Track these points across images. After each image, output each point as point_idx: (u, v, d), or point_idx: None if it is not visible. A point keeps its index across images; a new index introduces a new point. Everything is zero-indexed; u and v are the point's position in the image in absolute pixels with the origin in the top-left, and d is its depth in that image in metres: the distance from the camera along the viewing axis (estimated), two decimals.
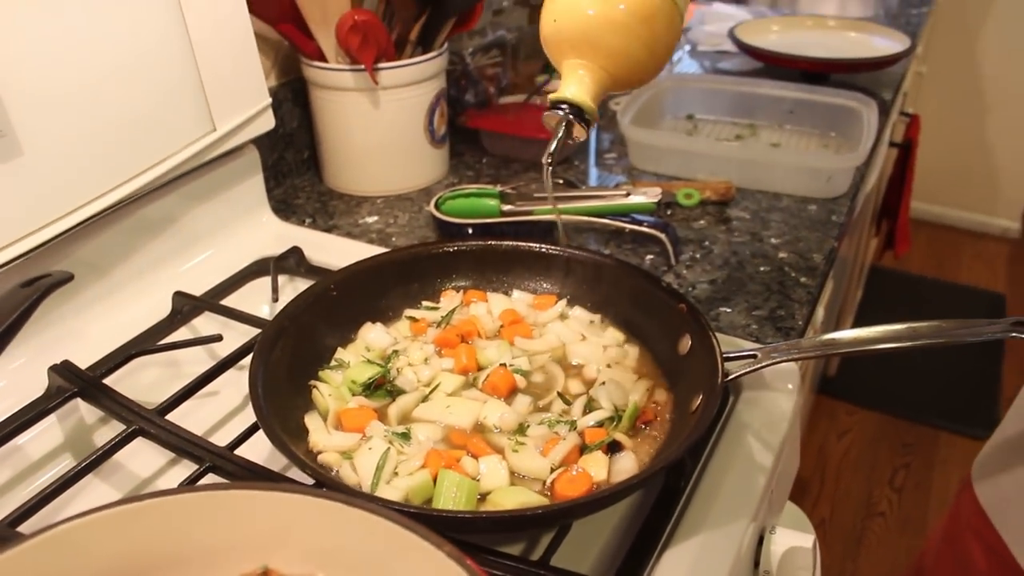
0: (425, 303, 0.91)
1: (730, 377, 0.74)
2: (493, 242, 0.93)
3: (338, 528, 0.50)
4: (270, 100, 1.04)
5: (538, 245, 0.92)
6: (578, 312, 0.90)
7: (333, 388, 0.79)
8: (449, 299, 0.91)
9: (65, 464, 0.80)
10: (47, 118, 0.82)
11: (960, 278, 3.24)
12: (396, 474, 0.70)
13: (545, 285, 0.92)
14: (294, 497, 0.51)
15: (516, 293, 0.92)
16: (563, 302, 0.90)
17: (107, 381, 0.83)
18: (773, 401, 0.83)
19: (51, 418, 0.81)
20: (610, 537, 0.70)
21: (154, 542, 0.51)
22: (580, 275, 0.90)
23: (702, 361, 0.75)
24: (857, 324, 2.58)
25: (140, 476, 0.79)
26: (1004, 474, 0.97)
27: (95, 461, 0.73)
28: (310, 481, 0.66)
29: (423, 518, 0.61)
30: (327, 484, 0.63)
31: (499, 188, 1.14)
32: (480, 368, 0.82)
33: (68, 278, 0.75)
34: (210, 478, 0.70)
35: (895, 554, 2.12)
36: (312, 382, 0.79)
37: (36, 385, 0.83)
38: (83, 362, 0.86)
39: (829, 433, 2.48)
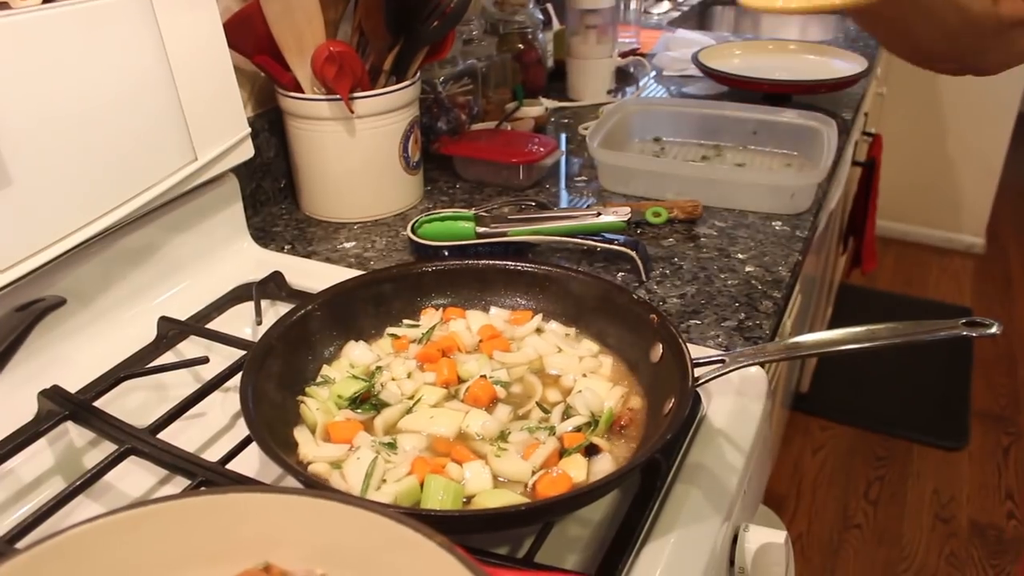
0: (406, 321, 0.94)
1: (700, 382, 0.77)
2: (471, 261, 0.97)
3: (334, 526, 0.52)
4: (248, 130, 1.07)
5: (513, 263, 0.95)
6: (554, 326, 0.93)
7: (320, 403, 0.81)
8: (429, 317, 0.94)
9: (56, 487, 0.82)
10: (35, 149, 0.84)
11: (927, 293, 3.32)
12: (384, 481, 0.72)
13: (521, 301, 0.96)
14: (291, 498, 0.53)
15: (494, 310, 0.96)
16: (539, 317, 0.93)
17: (96, 404, 0.85)
18: (743, 406, 0.87)
19: (41, 442, 0.83)
20: (591, 536, 0.72)
21: (156, 547, 0.53)
22: (554, 290, 0.94)
23: (673, 367, 0.79)
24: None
25: (131, 495, 0.81)
26: None
27: (87, 481, 0.75)
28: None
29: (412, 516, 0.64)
30: (318, 488, 0.66)
31: (474, 211, 1.17)
32: (461, 381, 0.85)
33: (61, 302, 0.77)
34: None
35: (872, 565, 2.16)
36: (300, 397, 0.81)
37: (25, 410, 0.85)
38: (71, 387, 0.87)
39: (804, 449, 2.52)
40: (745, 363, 0.79)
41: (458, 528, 0.66)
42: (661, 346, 0.82)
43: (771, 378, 1.10)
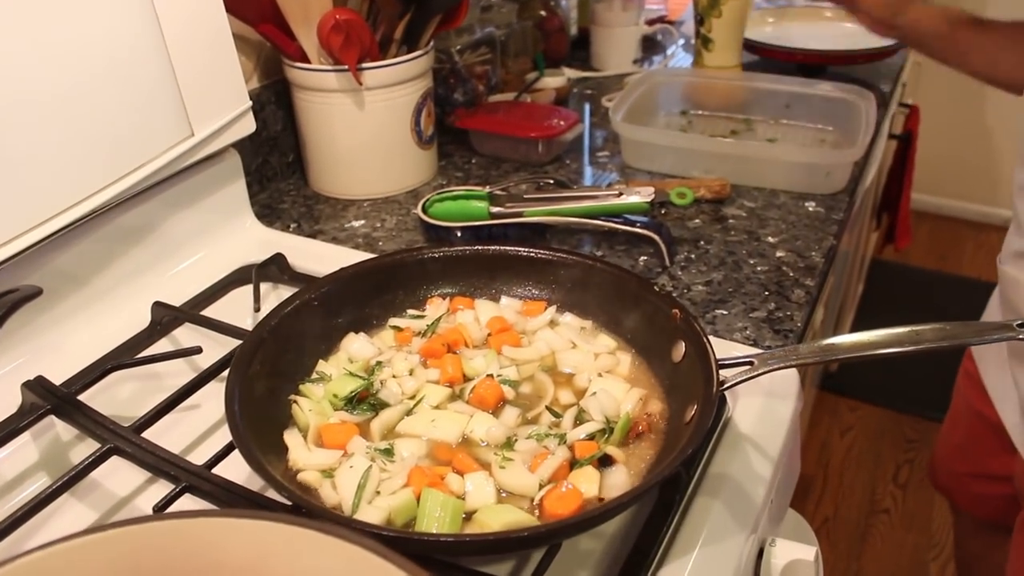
0: (410, 311, 0.88)
1: (726, 386, 0.70)
2: (480, 247, 0.90)
3: (315, 555, 0.47)
4: (250, 103, 1.01)
5: (526, 249, 0.89)
6: (568, 318, 0.87)
7: (314, 403, 0.76)
8: (435, 307, 0.88)
9: (41, 483, 0.78)
10: (18, 125, 0.79)
11: (962, 269, 3.21)
12: (378, 493, 0.67)
13: (534, 290, 0.89)
14: (269, 525, 0.48)
15: (504, 299, 0.89)
16: (552, 308, 0.87)
17: (83, 396, 0.81)
18: (772, 408, 0.80)
19: (25, 436, 0.78)
20: (602, 554, 0.67)
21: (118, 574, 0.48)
22: (570, 280, 0.87)
23: (696, 369, 0.72)
24: (859, 319, 2.56)
25: (117, 495, 0.77)
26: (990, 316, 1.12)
27: (69, 481, 0.71)
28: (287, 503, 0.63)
29: (404, 542, 0.59)
30: (305, 507, 0.61)
31: (488, 190, 1.11)
32: (467, 379, 0.79)
33: (36, 293, 0.72)
34: (187, 498, 0.68)
35: (900, 551, 2.10)
36: (292, 397, 0.76)
37: (10, 401, 0.81)
38: (61, 376, 0.83)
39: (831, 430, 2.45)
40: (775, 366, 0.72)
41: (456, 552, 0.61)
42: (684, 345, 0.76)
43: (802, 372, 1.04)
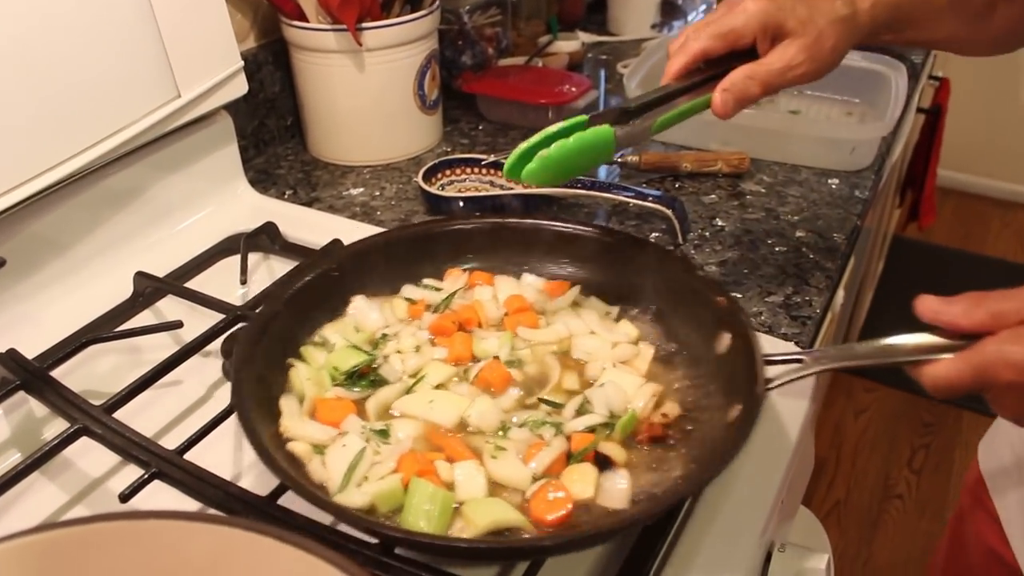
0: (426, 281, 0.83)
1: (772, 386, 0.64)
2: (511, 220, 0.85)
3: (273, 563, 0.43)
4: (241, 63, 0.96)
5: (564, 224, 0.83)
6: (593, 301, 0.81)
7: (312, 371, 0.71)
8: (453, 280, 0.83)
9: (12, 460, 0.74)
10: None
11: (987, 249, 3.13)
12: (366, 478, 0.63)
13: (558, 269, 0.84)
14: (228, 530, 0.44)
15: (527, 277, 0.84)
16: (576, 289, 0.81)
17: (58, 371, 0.77)
18: (784, 405, 0.75)
19: None
20: (597, 558, 0.62)
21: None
22: (603, 258, 0.81)
23: (739, 365, 0.66)
24: (878, 298, 2.49)
25: (90, 476, 0.73)
26: (1001, 443, 0.93)
27: (37, 461, 0.67)
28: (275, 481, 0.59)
29: (382, 535, 0.55)
30: (291, 486, 0.56)
31: (492, 158, 1.05)
32: (476, 360, 0.75)
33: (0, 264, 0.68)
34: (156, 485, 0.63)
35: (913, 538, 2.05)
36: (291, 360, 0.72)
37: None
38: (38, 347, 0.79)
39: (846, 411, 2.40)
40: (828, 366, 0.65)
41: (431, 552, 0.57)
42: (728, 336, 0.70)
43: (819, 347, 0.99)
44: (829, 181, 1.12)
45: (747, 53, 0.73)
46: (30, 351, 0.78)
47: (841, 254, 0.96)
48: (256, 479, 0.69)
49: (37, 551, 0.44)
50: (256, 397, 0.65)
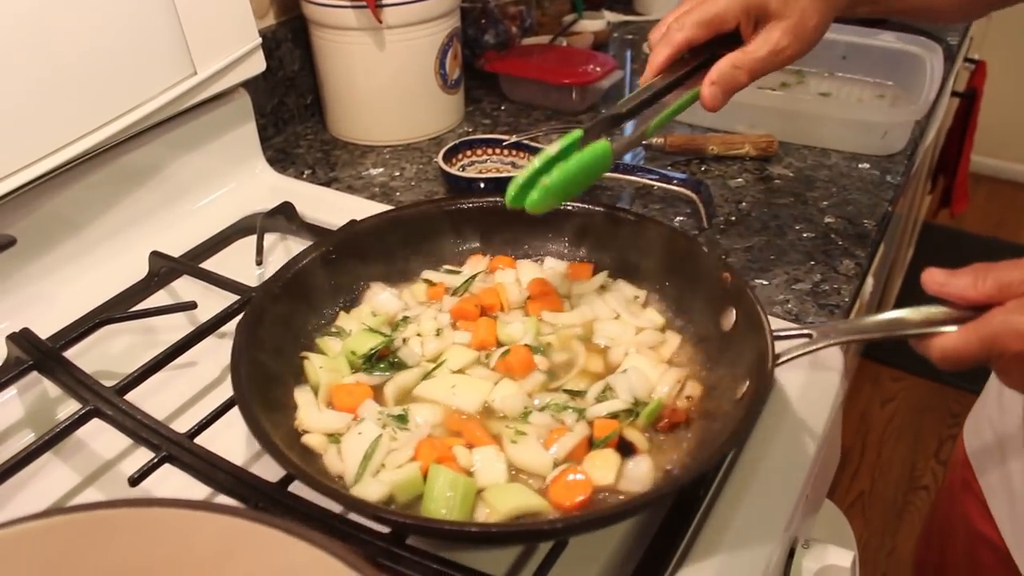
0: (446, 267, 0.82)
1: (780, 361, 0.63)
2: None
3: (279, 555, 0.42)
4: (259, 40, 0.94)
5: (576, 204, 0.81)
6: (621, 285, 0.79)
7: (328, 360, 0.70)
8: (474, 264, 0.82)
9: (26, 441, 0.74)
10: (1, 59, 0.73)
11: (1020, 238, 3.06)
12: (383, 466, 0.61)
13: (560, 247, 0.82)
14: (234, 520, 0.43)
15: (550, 260, 0.82)
16: (604, 273, 0.80)
17: (72, 351, 0.76)
18: (813, 389, 0.73)
19: (11, 390, 0.74)
20: (615, 551, 0.61)
21: (66, 563, 0.43)
22: (606, 236, 0.80)
23: (748, 341, 0.65)
24: (906, 286, 2.45)
25: (103, 457, 0.72)
26: (983, 421, 0.92)
27: (49, 442, 0.66)
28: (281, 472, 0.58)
29: (392, 522, 0.54)
30: (300, 477, 0.55)
31: (514, 138, 1.03)
32: (499, 345, 0.73)
33: (9, 242, 0.67)
34: (166, 469, 0.62)
35: None
36: (304, 353, 0.71)
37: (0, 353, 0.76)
38: (53, 327, 0.78)
39: (872, 400, 2.36)
40: (836, 340, 0.63)
41: (450, 538, 0.55)
42: (734, 312, 0.69)
43: (845, 347, 0.96)
44: (860, 166, 1.09)
45: (730, 36, 0.71)
46: (44, 331, 0.77)
47: (871, 241, 0.93)
48: (268, 465, 0.68)
49: (38, 537, 0.43)
50: (260, 384, 0.63)
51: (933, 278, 0.57)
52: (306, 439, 0.64)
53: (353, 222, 0.80)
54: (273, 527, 0.41)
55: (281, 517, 0.56)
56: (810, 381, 0.73)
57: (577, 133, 0.68)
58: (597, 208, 0.81)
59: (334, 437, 0.64)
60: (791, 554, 0.65)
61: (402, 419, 0.65)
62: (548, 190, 0.66)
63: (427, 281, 0.80)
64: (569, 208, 0.81)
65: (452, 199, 0.84)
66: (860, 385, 2.38)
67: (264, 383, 0.64)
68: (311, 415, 0.66)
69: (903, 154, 1.11)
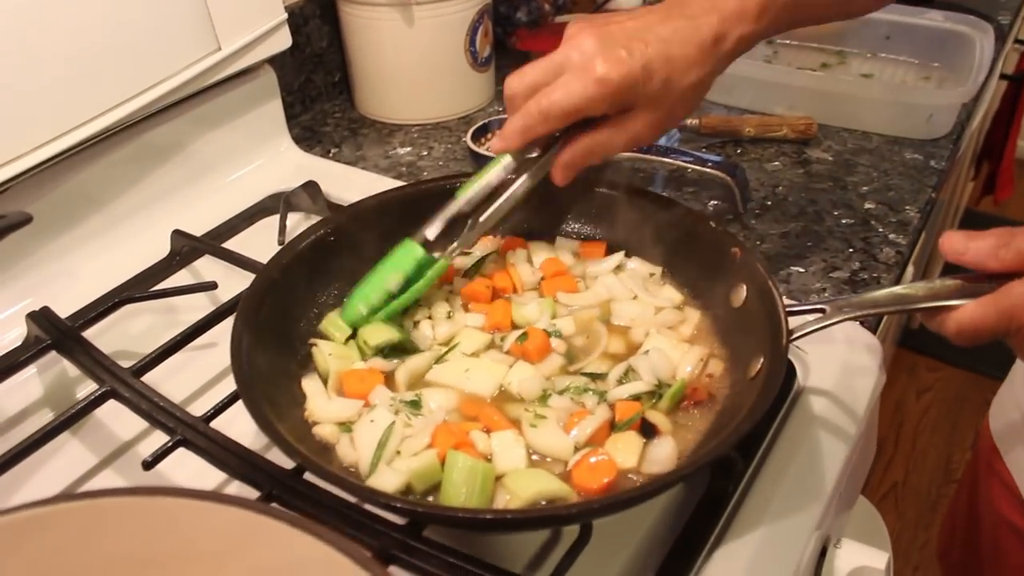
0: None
1: (794, 336, 0.61)
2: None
3: (284, 550, 0.40)
4: (285, 15, 0.93)
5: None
6: (635, 264, 0.77)
7: (337, 347, 0.68)
8: (485, 245, 0.79)
9: (44, 420, 0.72)
10: (24, 35, 0.72)
11: None
12: (399, 453, 0.60)
13: (587, 228, 0.80)
14: (237, 512, 0.41)
15: (560, 239, 0.80)
16: (621, 254, 0.77)
17: (92, 330, 0.76)
18: (850, 381, 0.70)
19: (31, 369, 0.73)
20: (639, 547, 0.59)
21: (72, 551, 0.42)
22: (612, 212, 0.78)
23: (760, 317, 0.63)
24: (947, 274, 2.39)
25: (121, 439, 0.71)
26: (1009, 404, 0.90)
27: (64, 423, 0.65)
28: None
29: (406, 512, 0.52)
30: (311, 470, 0.53)
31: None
32: (515, 327, 0.71)
33: (24, 220, 0.66)
34: (180, 453, 0.61)
35: None
36: (312, 340, 0.69)
37: (21, 331, 0.75)
38: (74, 305, 0.77)
39: (908, 390, 2.31)
40: (850, 315, 0.62)
41: (465, 526, 0.54)
42: (744, 288, 0.67)
43: (882, 332, 0.93)
44: (903, 150, 1.05)
45: None
46: (66, 308, 0.76)
47: (913, 228, 0.90)
48: None
49: (42, 525, 0.41)
50: (265, 372, 0.62)
51: (952, 245, 0.55)
52: (317, 430, 0.62)
53: (360, 201, 0.78)
54: (281, 520, 0.40)
55: (295, 506, 0.55)
56: (847, 373, 0.71)
57: (416, 252, 0.70)
58: (607, 187, 0.78)
59: (345, 426, 0.62)
60: (823, 553, 0.62)
61: (415, 405, 0.63)
62: (383, 318, 0.69)
63: None
64: (581, 188, 0.78)
65: (459, 177, 0.81)
66: (896, 375, 2.33)
67: (269, 372, 0.62)
68: (320, 405, 0.64)
69: (948, 138, 1.07)
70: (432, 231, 0.70)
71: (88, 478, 0.69)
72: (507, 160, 0.68)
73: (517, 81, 0.66)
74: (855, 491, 0.75)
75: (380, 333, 0.69)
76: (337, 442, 0.62)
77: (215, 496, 0.41)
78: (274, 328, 0.66)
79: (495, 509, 0.54)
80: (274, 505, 0.41)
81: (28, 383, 0.74)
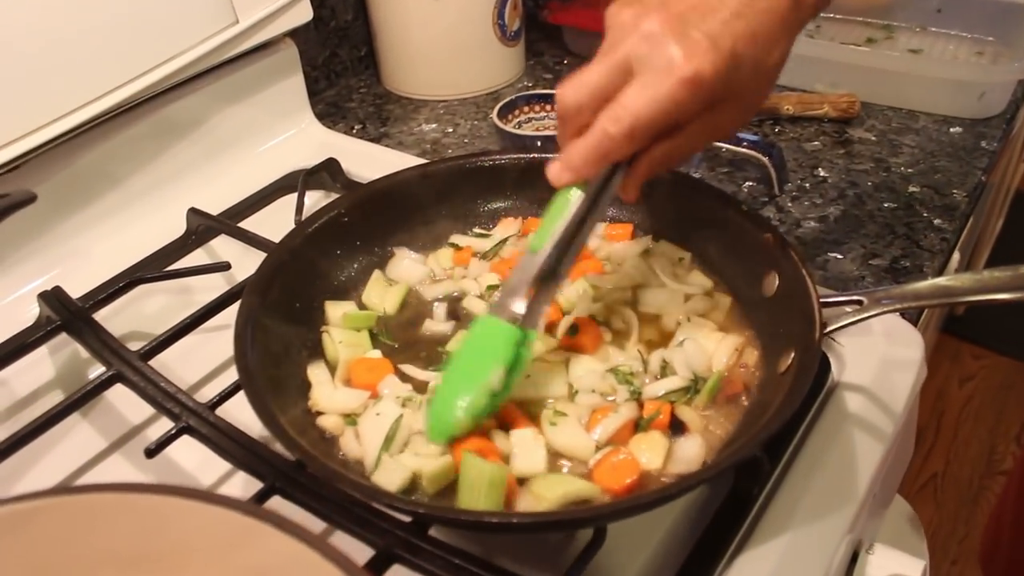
0: (476, 229, 0.77)
1: (829, 329, 0.57)
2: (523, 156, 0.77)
3: (272, 554, 0.38)
4: None
5: None
6: (664, 246, 0.73)
7: (348, 334, 0.66)
8: (506, 227, 0.76)
9: (55, 401, 0.71)
10: (37, 6, 0.71)
11: None
12: (407, 445, 0.57)
13: (611, 208, 0.76)
14: (226, 513, 0.39)
15: None
16: (647, 238, 0.74)
17: (107, 310, 0.74)
18: (888, 375, 0.66)
19: (42, 350, 0.72)
20: (656, 550, 0.56)
21: (57, 547, 0.40)
22: (651, 196, 0.73)
23: (793, 308, 0.59)
24: (993, 259, 2.31)
25: (130, 422, 0.70)
26: None
27: (71, 406, 0.64)
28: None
29: (409, 513, 0.50)
30: (310, 465, 0.51)
31: None
32: (564, 314, 0.67)
33: (29, 199, 0.64)
34: (184, 440, 0.59)
35: None
36: (324, 327, 0.66)
37: (35, 310, 0.74)
38: (88, 284, 0.76)
39: (951, 377, 2.25)
40: (890, 307, 0.59)
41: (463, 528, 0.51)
42: (777, 277, 0.63)
43: (923, 324, 0.89)
44: (951, 129, 1.00)
45: None
46: (80, 288, 0.75)
47: (960, 213, 0.85)
48: None
49: (24, 520, 0.40)
50: (270, 360, 0.59)
51: None
52: (321, 420, 0.60)
53: (375, 180, 0.75)
54: (269, 523, 0.38)
55: (297, 499, 0.53)
56: (885, 367, 0.67)
57: (512, 335, 0.56)
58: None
59: (351, 418, 0.60)
60: (853, 559, 0.59)
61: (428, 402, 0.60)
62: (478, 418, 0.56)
63: (453, 245, 0.75)
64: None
65: (481, 155, 0.78)
66: (938, 361, 2.27)
67: (276, 358, 0.60)
68: (326, 395, 0.61)
69: (1001, 117, 1.01)
70: (521, 305, 0.57)
71: (96, 463, 0.67)
72: (578, 194, 0.56)
73: (574, 91, 0.53)
74: (891, 491, 0.71)
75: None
76: (342, 435, 0.59)
77: (205, 495, 0.39)
78: (283, 313, 0.64)
79: (499, 512, 0.51)
80: (265, 507, 0.38)
81: (40, 364, 0.73)
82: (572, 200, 0.56)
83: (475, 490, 0.52)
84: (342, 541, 0.52)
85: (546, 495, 0.53)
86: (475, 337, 0.58)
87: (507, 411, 0.59)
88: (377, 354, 0.65)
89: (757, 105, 0.59)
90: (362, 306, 0.69)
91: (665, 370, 0.62)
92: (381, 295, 0.70)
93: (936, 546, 1.82)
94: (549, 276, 0.57)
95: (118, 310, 0.76)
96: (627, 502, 0.51)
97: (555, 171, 0.55)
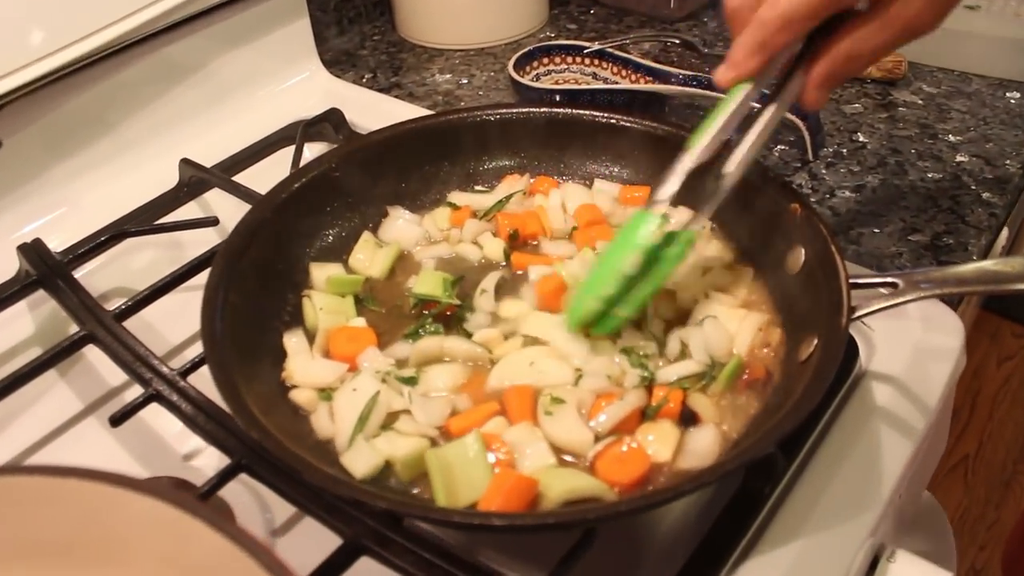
0: (477, 187, 0.71)
1: (857, 315, 0.52)
2: (576, 111, 0.71)
3: (196, 549, 0.34)
4: None
5: (602, 115, 0.70)
6: (682, 214, 0.67)
7: (331, 300, 0.61)
8: (510, 184, 0.71)
9: (31, 358, 0.68)
10: None
11: None
12: (383, 429, 0.52)
13: (598, 167, 0.72)
14: (153, 503, 0.35)
15: (599, 183, 0.71)
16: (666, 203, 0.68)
17: (93, 264, 0.71)
18: (921, 365, 0.61)
19: (20, 305, 0.68)
20: (654, 551, 0.52)
21: None
22: (651, 154, 0.69)
23: (819, 288, 0.54)
24: None
25: (108, 384, 0.67)
26: None
27: (42, 365, 0.60)
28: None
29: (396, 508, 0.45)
30: (268, 446, 0.46)
31: (597, 46, 0.91)
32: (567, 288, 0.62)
33: None
34: (152, 408, 0.55)
35: None
36: (306, 292, 0.62)
37: (15, 264, 0.70)
38: (75, 236, 0.72)
39: (989, 356, 2.16)
40: (928, 292, 0.53)
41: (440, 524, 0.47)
42: (803, 252, 0.57)
43: (962, 308, 0.82)
44: (1007, 94, 0.92)
45: None
46: (67, 240, 0.71)
47: (1012, 187, 0.79)
48: None
49: None
50: (242, 325, 0.55)
51: None
52: (294, 394, 0.55)
53: (372, 132, 0.70)
54: (198, 517, 0.34)
55: (264, 479, 0.49)
56: (919, 356, 0.61)
57: (653, 222, 0.55)
58: (650, 124, 0.69)
59: (326, 392, 0.55)
60: (873, 565, 0.54)
61: (411, 381, 0.55)
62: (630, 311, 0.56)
63: (451, 204, 0.70)
64: (623, 124, 0.69)
65: (492, 108, 0.72)
66: (977, 339, 2.18)
67: (250, 324, 0.55)
68: (300, 365, 0.56)
69: None
70: (665, 191, 0.55)
71: (71, 425, 0.65)
72: (744, 90, 0.54)
73: None
74: (918, 492, 0.65)
75: (436, 285, 0.61)
76: (314, 411, 0.54)
77: (130, 482, 0.36)
78: (263, 274, 0.59)
79: (465, 511, 0.47)
80: (202, 503, 0.34)
81: (18, 320, 0.70)
82: (736, 96, 0.54)
83: (442, 477, 0.48)
84: (310, 527, 0.48)
85: (547, 493, 0.48)
86: (621, 230, 0.57)
87: (507, 397, 0.54)
88: (361, 322, 0.60)
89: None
90: (350, 270, 0.65)
91: (684, 352, 0.57)
92: (369, 257, 0.65)
93: (964, 530, 1.76)
94: (704, 171, 0.55)
95: (105, 264, 0.73)
96: (612, 508, 0.46)
97: (720, 71, 0.54)
